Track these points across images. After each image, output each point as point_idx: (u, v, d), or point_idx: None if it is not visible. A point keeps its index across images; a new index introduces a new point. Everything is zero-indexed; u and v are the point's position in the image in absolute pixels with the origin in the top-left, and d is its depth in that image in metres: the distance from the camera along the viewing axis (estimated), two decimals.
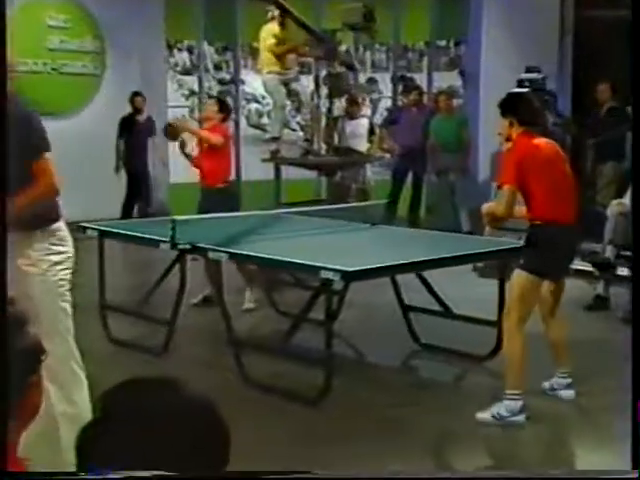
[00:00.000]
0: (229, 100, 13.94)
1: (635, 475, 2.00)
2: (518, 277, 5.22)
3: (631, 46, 3.21)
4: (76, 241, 4.33)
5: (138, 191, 12.64)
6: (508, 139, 5.37)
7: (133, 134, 12.54)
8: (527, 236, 5.30)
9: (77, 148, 12.06)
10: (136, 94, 12.73)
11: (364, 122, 10.93)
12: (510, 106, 5.35)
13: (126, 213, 12.42)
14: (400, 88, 13.82)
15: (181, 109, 13.51)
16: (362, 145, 10.62)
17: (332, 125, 10.01)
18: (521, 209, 5.30)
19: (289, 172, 10.41)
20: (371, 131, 10.94)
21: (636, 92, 3.32)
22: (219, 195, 7.84)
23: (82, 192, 12.01)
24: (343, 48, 10.79)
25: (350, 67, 10.31)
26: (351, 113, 10.73)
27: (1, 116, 2.47)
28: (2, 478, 1.88)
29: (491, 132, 10.99)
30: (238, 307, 7.56)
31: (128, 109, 12.67)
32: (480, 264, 8.66)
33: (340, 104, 10.50)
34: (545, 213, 5.19)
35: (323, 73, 10.05)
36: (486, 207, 5.47)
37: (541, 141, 5.33)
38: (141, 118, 12.72)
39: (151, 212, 12.30)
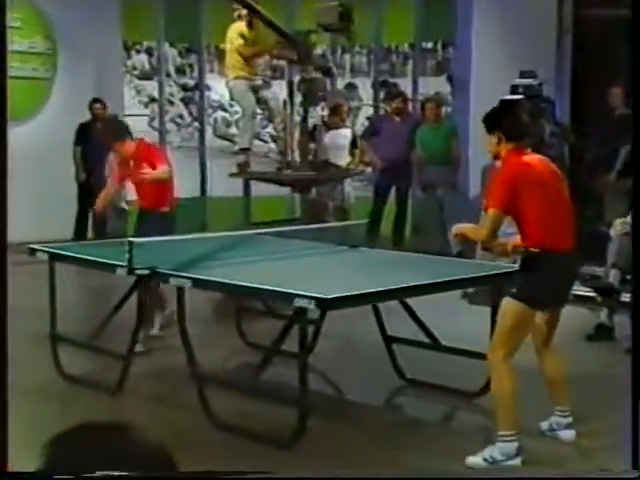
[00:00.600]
0: (193, 108, 14.04)
1: (635, 475, 2.07)
2: (509, 306, 5.22)
3: (632, 46, 3.28)
4: (26, 265, 4.33)
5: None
6: (496, 157, 5.38)
7: (91, 143, 12.52)
8: (521, 262, 5.31)
9: (28, 160, 12.04)
10: (96, 101, 12.71)
11: (346, 133, 10.96)
12: (496, 121, 5.35)
13: (80, 231, 12.39)
14: (382, 95, 13.92)
15: (139, 118, 13.51)
16: (343, 158, 10.66)
17: (307, 136, 10.02)
18: (512, 239, 5.33)
19: (260, 188, 10.43)
20: (353, 143, 10.97)
21: (636, 92, 3.39)
22: (162, 221, 7.73)
23: (33, 209, 12.02)
24: (319, 52, 10.84)
25: (326, 72, 10.35)
26: (333, 123, 10.77)
27: (1, 116, 2.67)
28: (2, 478, 1.91)
29: (483, 143, 11.08)
30: (204, 339, 7.53)
31: (83, 116, 12.65)
32: (471, 290, 8.70)
33: (316, 112, 10.53)
34: (541, 240, 5.19)
35: (297, 78, 10.07)
36: (460, 228, 5.50)
37: (534, 158, 5.34)
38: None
39: (108, 232, 12.28)
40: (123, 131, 7.99)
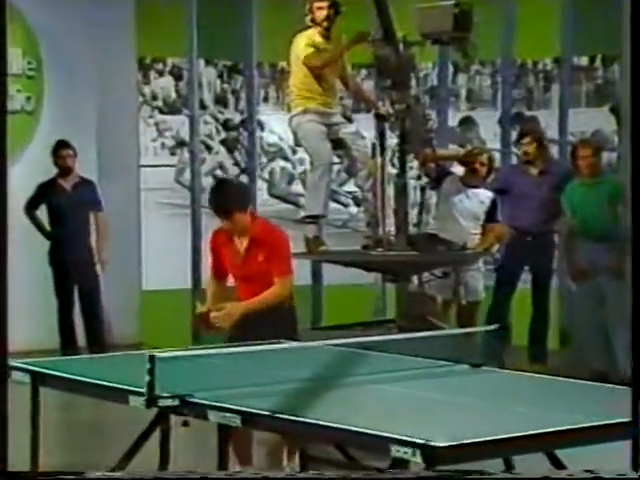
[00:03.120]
0: (239, 155, 14.11)
1: (635, 475, 2.17)
2: None
3: (631, 45, 3.96)
4: None
5: (84, 304, 12.69)
6: None
7: (58, 208, 12.58)
8: None
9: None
10: (63, 145, 12.77)
11: (484, 197, 10.93)
12: None
13: (67, 337, 12.50)
14: (514, 135, 13.93)
15: (162, 169, 13.63)
16: (473, 234, 10.64)
17: (401, 197, 9.95)
18: None
19: (336, 274, 10.46)
20: (490, 213, 10.94)
21: (635, 92, 3.60)
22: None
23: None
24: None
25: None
26: (468, 181, 10.82)
27: (1, 116, 3.60)
28: (2, 478, 2.14)
29: None
30: None
31: (81, 169, 12.80)
32: None
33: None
34: None
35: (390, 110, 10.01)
36: None
37: None
38: (67, 184, 12.73)
39: (109, 340, 12.37)
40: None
